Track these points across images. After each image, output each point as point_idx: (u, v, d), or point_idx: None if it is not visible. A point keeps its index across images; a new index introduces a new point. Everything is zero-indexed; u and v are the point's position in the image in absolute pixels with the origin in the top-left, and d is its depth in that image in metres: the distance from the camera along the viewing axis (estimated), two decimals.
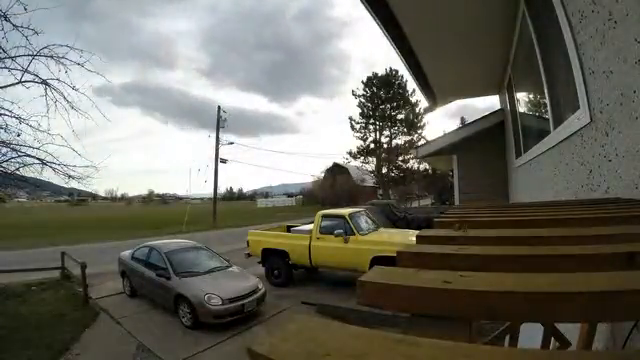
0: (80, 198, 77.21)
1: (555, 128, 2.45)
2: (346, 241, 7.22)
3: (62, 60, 6.26)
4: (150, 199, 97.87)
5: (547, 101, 2.68)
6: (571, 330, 0.98)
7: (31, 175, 6.82)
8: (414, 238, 0.97)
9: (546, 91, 2.70)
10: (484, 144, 6.21)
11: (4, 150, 6.34)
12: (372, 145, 39.29)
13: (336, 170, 41.25)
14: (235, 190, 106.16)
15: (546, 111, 2.71)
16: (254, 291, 6.18)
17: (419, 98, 35.15)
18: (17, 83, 6.15)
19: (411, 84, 35.21)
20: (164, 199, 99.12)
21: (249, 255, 8.79)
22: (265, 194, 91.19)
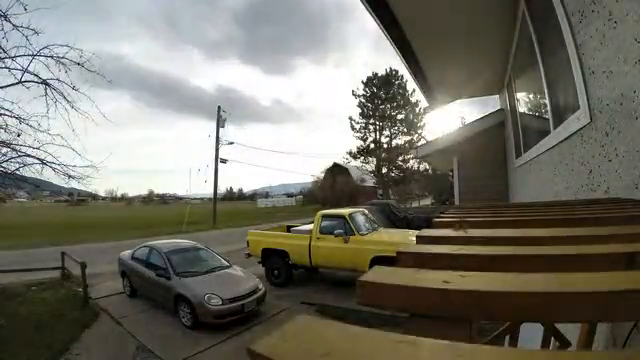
0: (80, 198, 77.17)
1: (555, 128, 2.45)
2: (346, 241, 7.22)
3: (62, 60, 6.27)
4: (150, 199, 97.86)
5: (547, 101, 2.68)
6: (571, 330, 0.98)
7: (31, 175, 6.83)
8: (414, 238, 0.97)
9: (546, 91, 2.70)
10: (484, 144, 6.21)
11: (4, 150, 6.35)
12: (372, 145, 39.31)
13: (336, 170, 41.24)
14: (235, 190, 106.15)
15: (546, 111, 2.71)
16: (254, 291, 6.18)
17: (419, 98, 35.19)
18: (17, 83, 6.16)
19: (411, 84, 35.26)
20: (164, 199, 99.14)
21: (249, 255, 8.79)
22: (265, 194, 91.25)
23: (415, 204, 35.04)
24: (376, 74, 39.20)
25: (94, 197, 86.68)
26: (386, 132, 39.41)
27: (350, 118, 39.65)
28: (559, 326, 0.95)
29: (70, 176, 6.90)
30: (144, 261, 7.13)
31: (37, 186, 7.24)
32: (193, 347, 5.09)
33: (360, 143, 39.55)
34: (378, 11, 3.11)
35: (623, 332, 0.84)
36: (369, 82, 39.13)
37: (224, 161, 25.97)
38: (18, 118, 6.24)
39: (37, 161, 6.56)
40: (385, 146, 39.20)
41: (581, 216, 1.11)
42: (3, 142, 6.27)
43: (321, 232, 7.71)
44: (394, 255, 0.71)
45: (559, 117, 2.38)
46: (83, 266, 7.09)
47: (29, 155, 6.53)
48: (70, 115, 6.58)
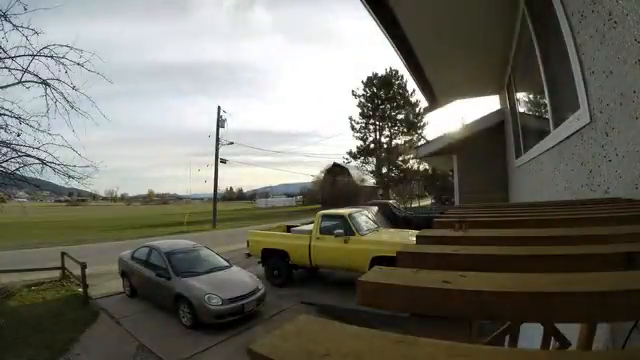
0: (80, 198, 77.33)
1: (555, 128, 2.45)
2: (346, 241, 7.22)
3: (62, 60, 6.27)
4: (150, 199, 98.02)
5: (547, 101, 2.68)
6: (571, 330, 0.98)
7: (31, 175, 6.84)
8: (414, 238, 0.97)
9: (546, 91, 2.70)
10: (484, 144, 6.20)
11: (4, 150, 6.36)
12: (372, 145, 39.31)
13: (336, 170, 41.22)
14: (235, 190, 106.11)
15: (546, 111, 2.71)
16: (254, 291, 6.18)
17: (419, 98, 35.18)
18: (17, 83, 6.16)
19: (411, 84, 35.25)
20: (164, 199, 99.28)
21: (249, 255, 8.79)
22: (265, 194, 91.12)
23: (415, 204, 35.06)
24: (376, 74, 39.19)
25: (94, 197, 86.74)
26: (386, 132, 39.43)
27: (350, 118, 39.69)
28: (559, 326, 0.95)
29: (70, 176, 6.91)
30: (144, 261, 7.13)
31: (37, 186, 7.24)
32: (193, 347, 5.09)
33: (360, 143, 39.62)
34: (378, 11, 3.10)
35: (623, 332, 0.84)
36: (369, 82, 39.12)
37: (224, 161, 25.95)
38: (18, 118, 6.25)
39: (37, 161, 6.57)
40: (385, 146, 39.20)
41: (581, 216, 1.11)
42: (3, 142, 6.28)
43: (321, 232, 7.71)
44: (394, 255, 0.71)
45: (559, 117, 2.38)
46: (83, 266, 7.09)
47: (29, 155, 6.55)
48: (70, 115, 6.59)
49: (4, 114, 6.17)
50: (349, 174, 40.22)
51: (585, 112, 1.72)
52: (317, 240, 7.69)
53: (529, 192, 3.70)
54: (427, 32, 3.74)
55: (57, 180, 7.15)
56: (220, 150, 25.56)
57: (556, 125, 2.43)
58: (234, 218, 29.74)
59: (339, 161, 41.60)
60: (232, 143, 26.51)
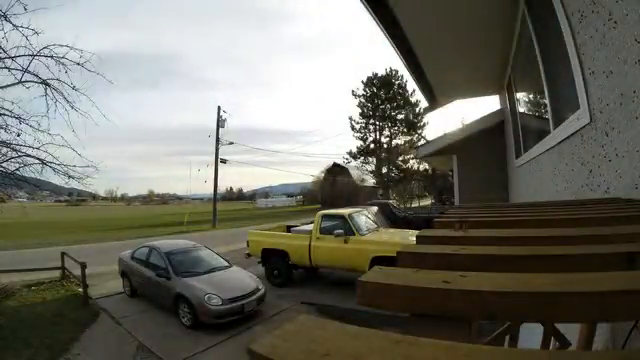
0: (80, 198, 77.37)
1: (555, 128, 2.45)
2: (346, 241, 7.22)
3: (62, 60, 6.26)
4: (150, 199, 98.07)
5: (547, 101, 2.68)
6: (571, 330, 0.98)
7: (31, 175, 6.84)
8: (414, 238, 0.97)
9: (546, 91, 2.70)
10: (484, 144, 6.20)
11: (4, 150, 6.35)
12: (372, 145, 39.31)
13: (336, 170, 41.22)
14: (235, 190, 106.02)
15: (546, 111, 2.71)
16: (254, 291, 6.18)
17: (419, 98, 35.16)
18: (17, 83, 6.16)
19: (411, 84, 35.25)
20: (164, 199, 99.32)
21: (249, 255, 8.79)
22: (265, 194, 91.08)
23: (415, 204, 35.08)
24: (376, 74, 39.17)
25: (94, 197, 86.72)
26: (386, 132, 39.42)
27: (350, 118, 39.66)
28: (559, 326, 0.95)
29: (70, 176, 6.91)
30: (144, 261, 7.13)
31: (37, 186, 7.24)
32: (193, 347, 5.09)
33: (360, 143, 39.63)
34: (378, 11, 3.10)
35: (623, 332, 0.84)
36: (369, 82, 39.11)
37: (224, 161, 25.95)
38: (18, 118, 6.25)
39: (37, 161, 6.57)
40: (385, 146, 39.20)
41: (581, 216, 1.11)
42: (3, 142, 6.28)
43: (321, 232, 7.71)
44: (394, 255, 0.71)
45: (559, 117, 2.38)
46: (83, 266, 7.09)
47: (29, 155, 6.54)
48: (70, 115, 6.59)
49: (4, 114, 6.18)
50: (349, 174, 40.22)
51: (585, 112, 1.72)
52: (317, 240, 7.69)
53: (529, 192, 3.70)
54: (427, 32, 3.74)
55: (57, 180, 7.15)
56: (220, 150, 25.59)
57: (556, 125, 2.43)
58: (234, 218, 29.74)
59: (339, 161, 41.60)
60: (232, 143, 26.50)
